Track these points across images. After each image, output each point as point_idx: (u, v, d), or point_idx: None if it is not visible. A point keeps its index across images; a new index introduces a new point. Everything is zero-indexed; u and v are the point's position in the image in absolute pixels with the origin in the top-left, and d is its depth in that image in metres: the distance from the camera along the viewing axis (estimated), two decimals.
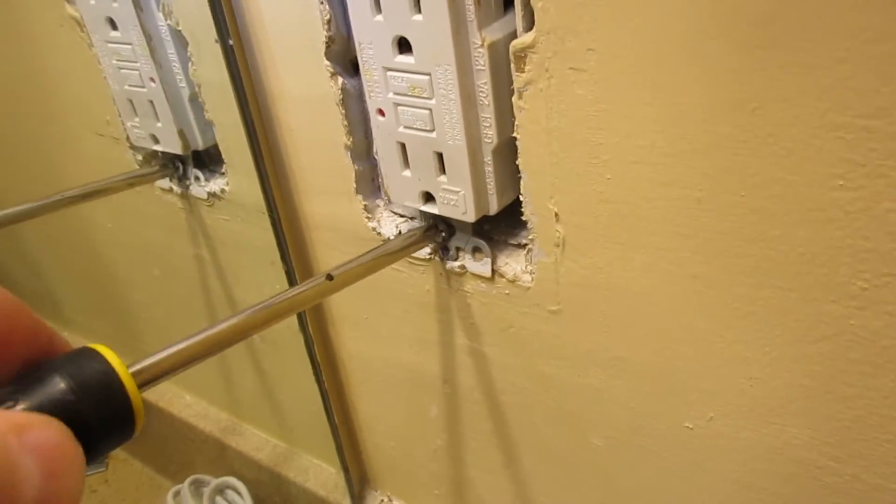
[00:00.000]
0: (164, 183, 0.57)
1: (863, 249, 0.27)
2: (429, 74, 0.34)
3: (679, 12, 0.27)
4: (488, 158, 0.36)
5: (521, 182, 0.36)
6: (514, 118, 0.34)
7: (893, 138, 0.25)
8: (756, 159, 0.28)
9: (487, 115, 0.35)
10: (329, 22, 0.38)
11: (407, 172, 0.39)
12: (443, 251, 0.42)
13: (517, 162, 0.35)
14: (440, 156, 0.37)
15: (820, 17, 0.24)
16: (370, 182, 0.45)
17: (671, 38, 0.27)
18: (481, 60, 0.33)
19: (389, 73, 0.36)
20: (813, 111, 0.26)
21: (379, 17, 0.34)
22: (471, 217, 0.38)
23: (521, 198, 0.36)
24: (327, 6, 0.37)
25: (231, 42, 0.42)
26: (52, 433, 0.17)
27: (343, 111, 0.41)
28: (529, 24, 0.33)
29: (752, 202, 0.29)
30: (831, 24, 0.24)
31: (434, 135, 0.36)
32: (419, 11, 0.33)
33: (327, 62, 0.39)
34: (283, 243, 0.49)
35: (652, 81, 0.29)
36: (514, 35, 0.33)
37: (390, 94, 0.36)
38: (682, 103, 0.29)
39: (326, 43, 0.39)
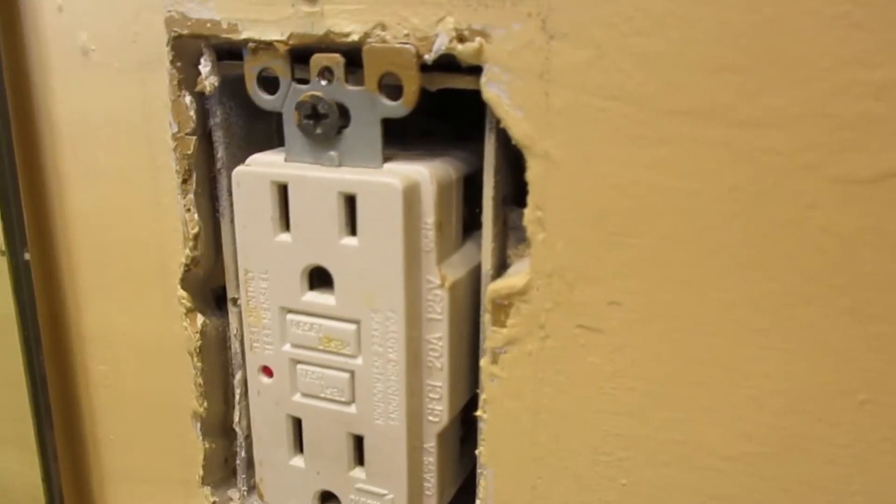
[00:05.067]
0: None
1: None
2: (356, 323, 0.23)
3: (763, 266, 0.19)
4: (431, 445, 0.25)
5: (480, 482, 0.24)
6: (481, 390, 0.23)
7: None
8: (861, 472, 0.20)
9: (438, 384, 0.24)
10: (196, 237, 0.26)
11: (298, 461, 0.26)
12: None
13: (477, 451, 0.24)
14: (358, 440, 0.25)
15: None
16: (222, 465, 0.30)
17: (746, 298, 0.19)
18: (438, 306, 0.23)
19: (290, 317, 0.24)
20: None
21: (284, 237, 0.23)
22: None
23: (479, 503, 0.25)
24: (195, 215, 0.26)
25: (27, 256, 0.28)
26: None
27: (199, 364, 0.27)
28: (501, 255, 0.24)
29: None
30: None
31: (353, 409, 0.24)
32: (352, 233, 0.22)
33: (182, 293, 0.27)
34: None
35: (708, 355, 0.20)
36: (477, 270, 0.24)
37: (286, 347, 0.24)
38: (752, 387, 0.20)
39: (185, 267, 0.26)
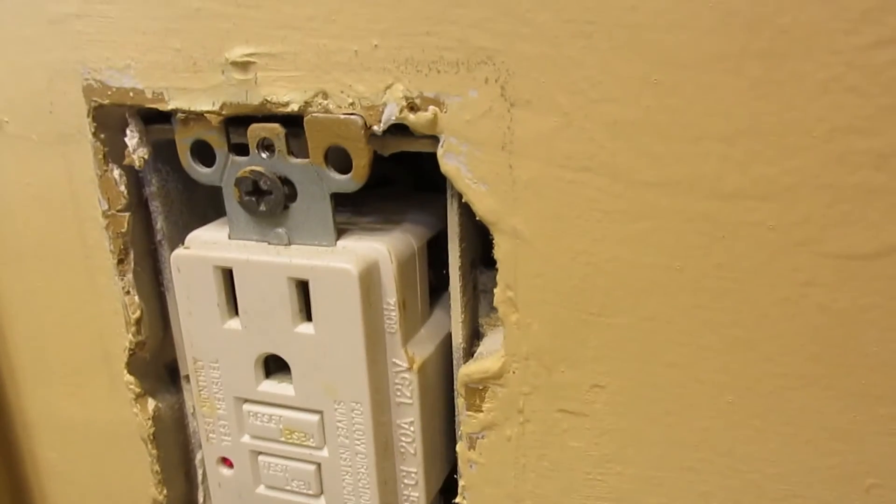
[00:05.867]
0: None
1: None
2: (319, 413, 0.21)
3: (757, 346, 0.17)
4: None
5: None
6: (460, 475, 0.22)
7: None
8: None
9: (413, 470, 0.22)
10: (139, 321, 0.24)
11: None
12: None
13: None
14: None
15: None
16: None
17: (740, 380, 0.18)
18: (407, 390, 0.21)
19: (247, 407, 0.22)
20: None
21: (234, 324, 0.21)
22: None
23: None
24: (135, 297, 0.23)
25: None
26: None
27: (154, 451, 0.25)
28: (472, 322, 0.22)
29: None
30: None
31: (322, 503, 0.22)
32: (307, 318, 0.20)
33: (130, 378, 0.24)
34: None
35: (700, 438, 0.19)
36: (448, 341, 0.22)
37: (245, 438, 0.22)
38: (752, 472, 0.18)
39: (130, 352, 0.24)
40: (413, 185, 0.26)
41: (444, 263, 0.21)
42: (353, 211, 0.22)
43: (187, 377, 0.25)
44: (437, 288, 0.23)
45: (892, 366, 0.17)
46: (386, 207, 0.23)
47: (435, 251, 0.22)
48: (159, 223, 0.23)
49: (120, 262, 0.23)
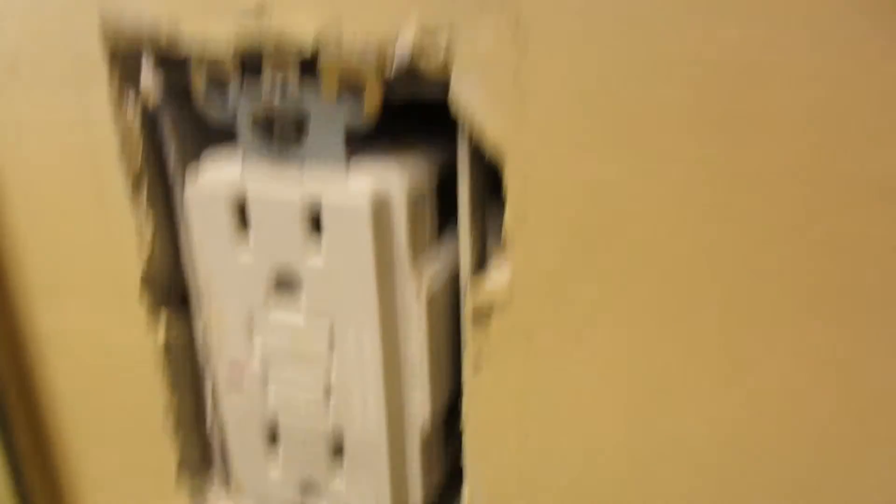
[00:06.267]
0: None
1: None
2: (328, 340, 0.22)
3: (771, 265, 0.18)
4: (413, 453, 0.24)
5: (465, 494, 0.24)
6: (464, 403, 0.23)
7: None
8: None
9: (418, 395, 0.23)
10: (150, 248, 0.24)
11: (275, 471, 0.25)
12: None
13: (463, 461, 0.24)
14: (337, 450, 0.24)
15: None
16: (199, 468, 0.29)
17: (755, 296, 0.19)
18: (415, 319, 0.22)
19: (257, 335, 0.23)
20: None
21: (245, 254, 0.22)
22: None
23: None
24: (149, 224, 0.24)
25: None
26: None
27: (166, 373, 0.26)
28: (481, 253, 0.23)
29: None
30: None
31: (330, 424, 0.23)
32: (318, 249, 0.21)
33: (143, 301, 0.25)
34: None
35: (713, 358, 0.20)
36: (456, 271, 0.23)
37: (255, 365, 0.23)
38: (764, 385, 0.20)
39: (142, 276, 0.25)
40: (423, 117, 0.27)
41: (454, 196, 0.22)
42: (364, 145, 0.23)
43: (199, 305, 0.26)
44: (445, 221, 0.24)
45: None
46: (396, 140, 0.23)
47: (444, 184, 0.23)
48: (172, 157, 0.24)
49: (134, 192, 0.23)
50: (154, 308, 0.26)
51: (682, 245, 0.19)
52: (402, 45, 0.19)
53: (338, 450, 0.24)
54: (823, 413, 0.19)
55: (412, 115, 0.23)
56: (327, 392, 0.23)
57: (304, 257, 0.21)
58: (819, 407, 0.19)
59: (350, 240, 0.20)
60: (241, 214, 0.22)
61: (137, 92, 0.22)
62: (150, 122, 0.23)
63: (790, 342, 0.19)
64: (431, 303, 0.22)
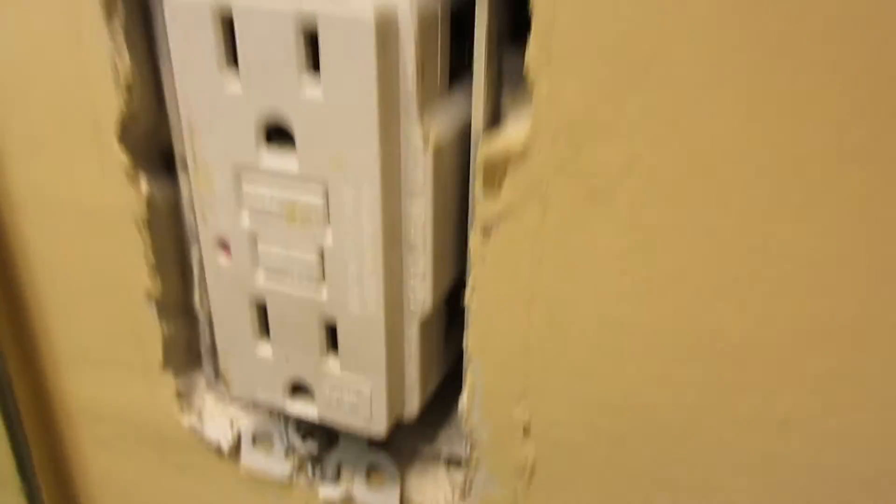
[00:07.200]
0: None
1: None
2: (324, 191, 0.19)
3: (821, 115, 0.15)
4: (412, 333, 0.22)
5: (468, 374, 0.22)
6: (469, 272, 0.20)
7: None
8: None
9: (420, 265, 0.21)
10: (129, 88, 0.22)
11: (265, 349, 0.23)
12: (313, 467, 0.26)
13: (465, 342, 0.21)
14: (331, 326, 0.22)
15: None
16: (187, 350, 0.27)
17: (794, 158, 0.16)
18: (420, 171, 0.19)
19: (247, 185, 0.20)
20: None
21: (233, 83, 0.19)
22: (380, 427, 0.22)
23: (464, 399, 0.22)
24: (127, 58, 0.21)
25: None
26: None
27: (148, 238, 0.24)
28: (495, 106, 0.20)
29: None
30: None
31: (324, 293, 0.21)
32: (315, 77, 0.18)
33: (122, 154, 0.23)
34: (21, 445, 0.29)
35: (738, 226, 0.17)
36: (466, 126, 0.20)
37: (244, 220, 0.21)
38: (790, 261, 0.17)
39: (121, 122, 0.22)
40: None
41: (467, 38, 0.19)
42: None
43: (184, 163, 0.23)
44: (456, 71, 0.21)
45: None
46: None
47: (457, 25, 0.20)
48: None
49: (108, 17, 0.21)
50: (135, 165, 0.23)
51: (730, 102, 0.15)
52: None
53: (332, 329, 0.22)
54: (852, 301, 0.16)
55: None
56: (321, 256, 0.20)
57: (299, 83, 0.18)
58: (849, 295, 0.16)
59: (350, 64, 0.17)
60: (230, 37, 0.19)
61: None
62: None
63: (830, 233, 0.16)
64: (438, 155, 0.19)
